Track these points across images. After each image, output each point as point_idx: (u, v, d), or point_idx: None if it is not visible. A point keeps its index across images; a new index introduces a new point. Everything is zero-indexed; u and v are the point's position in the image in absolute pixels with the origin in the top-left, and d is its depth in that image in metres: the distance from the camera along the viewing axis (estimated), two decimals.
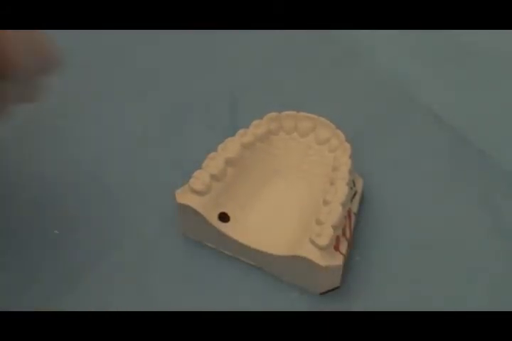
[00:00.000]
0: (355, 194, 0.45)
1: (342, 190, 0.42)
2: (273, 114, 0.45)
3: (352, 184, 0.44)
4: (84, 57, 0.53)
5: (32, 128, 0.50)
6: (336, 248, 0.41)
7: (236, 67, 0.53)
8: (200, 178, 0.43)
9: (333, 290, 0.42)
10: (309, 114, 0.46)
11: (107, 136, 0.49)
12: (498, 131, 0.50)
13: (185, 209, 0.43)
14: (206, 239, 0.44)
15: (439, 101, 0.51)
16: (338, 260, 0.41)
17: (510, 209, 0.47)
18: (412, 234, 0.46)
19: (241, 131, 0.45)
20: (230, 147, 0.44)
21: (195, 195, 0.43)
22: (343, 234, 0.42)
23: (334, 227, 0.41)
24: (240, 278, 0.43)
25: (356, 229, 0.45)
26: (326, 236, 0.40)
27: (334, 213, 0.42)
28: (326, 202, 0.43)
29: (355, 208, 0.45)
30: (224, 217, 0.43)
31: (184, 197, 0.43)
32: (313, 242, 0.40)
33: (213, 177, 0.43)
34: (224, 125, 0.49)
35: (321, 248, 0.40)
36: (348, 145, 0.44)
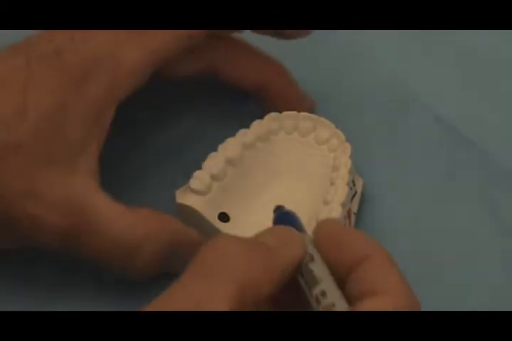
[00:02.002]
0: (355, 194, 0.45)
1: (342, 190, 0.42)
2: (273, 114, 0.45)
3: (352, 184, 0.44)
4: None
5: None
6: None
7: None
8: (200, 178, 0.43)
9: None
10: (310, 114, 0.46)
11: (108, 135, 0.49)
12: (498, 130, 0.50)
13: (185, 209, 0.43)
14: (206, 239, 0.44)
15: (439, 101, 0.51)
16: None
17: (510, 208, 0.47)
18: (411, 233, 0.46)
19: (241, 131, 0.45)
20: (231, 147, 0.44)
21: (195, 194, 0.43)
22: None
23: None
24: None
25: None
26: None
27: (334, 213, 0.42)
28: (326, 202, 0.43)
29: (355, 208, 0.45)
30: (224, 217, 0.43)
31: (184, 197, 0.43)
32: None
33: (213, 177, 0.43)
34: (224, 125, 0.49)
35: None
36: (348, 145, 0.44)
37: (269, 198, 0.45)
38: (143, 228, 0.40)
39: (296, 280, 0.33)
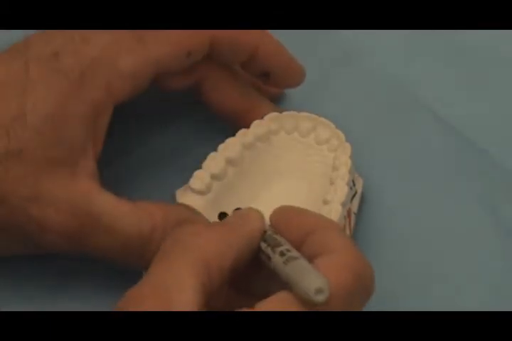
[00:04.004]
0: (355, 194, 0.45)
1: (342, 190, 0.43)
2: (274, 114, 0.45)
3: (352, 184, 0.44)
4: None
5: None
6: None
7: None
8: (200, 178, 0.43)
9: None
10: (310, 114, 0.46)
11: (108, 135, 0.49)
12: (498, 130, 0.50)
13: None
14: None
15: (439, 101, 0.51)
16: None
17: (510, 208, 0.47)
18: (411, 234, 0.46)
19: (241, 131, 0.45)
20: (231, 147, 0.44)
21: (195, 194, 0.43)
22: None
23: None
24: None
25: (356, 229, 0.45)
26: None
27: (334, 213, 0.42)
28: (325, 202, 0.43)
29: (355, 208, 0.45)
30: (224, 217, 0.44)
31: (184, 196, 0.43)
32: None
33: (213, 176, 0.43)
34: (224, 125, 0.49)
35: None
36: (348, 145, 0.44)
37: (269, 198, 0.45)
38: (149, 222, 0.41)
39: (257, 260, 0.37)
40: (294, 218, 0.37)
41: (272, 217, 0.38)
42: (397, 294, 0.43)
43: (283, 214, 0.38)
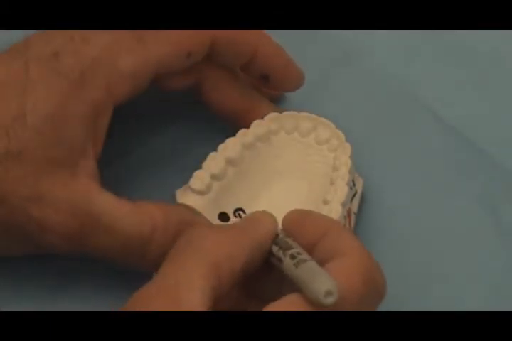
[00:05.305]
0: (355, 194, 0.45)
1: (342, 190, 0.43)
2: (274, 114, 0.45)
3: (352, 184, 0.44)
4: None
5: None
6: None
7: None
8: (200, 178, 0.43)
9: None
10: (310, 114, 0.46)
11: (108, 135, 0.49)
12: (498, 130, 0.50)
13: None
14: None
15: (439, 101, 0.51)
16: None
17: (510, 208, 0.47)
18: (411, 234, 0.46)
19: (241, 131, 0.45)
20: (231, 147, 0.44)
21: (195, 194, 0.43)
22: None
23: None
24: None
25: (356, 229, 0.45)
26: None
27: (334, 213, 0.42)
28: (325, 202, 0.43)
29: (355, 208, 0.45)
30: (224, 217, 0.44)
31: (184, 196, 0.43)
32: None
33: (214, 176, 0.43)
34: (224, 125, 0.49)
35: None
36: (348, 145, 0.44)
37: (269, 198, 0.45)
38: (149, 223, 0.41)
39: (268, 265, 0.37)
40: (307, 222, 0.38)
41: (284, 220, 0.38)
42: (397, 294, 0.43)
43: (295, 217, 0.38)
